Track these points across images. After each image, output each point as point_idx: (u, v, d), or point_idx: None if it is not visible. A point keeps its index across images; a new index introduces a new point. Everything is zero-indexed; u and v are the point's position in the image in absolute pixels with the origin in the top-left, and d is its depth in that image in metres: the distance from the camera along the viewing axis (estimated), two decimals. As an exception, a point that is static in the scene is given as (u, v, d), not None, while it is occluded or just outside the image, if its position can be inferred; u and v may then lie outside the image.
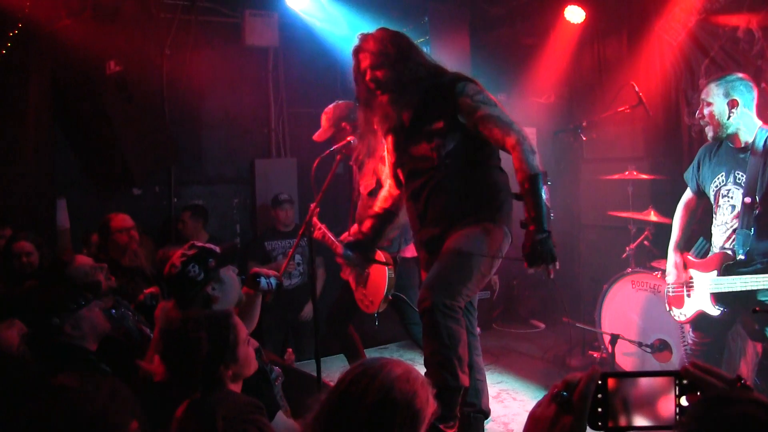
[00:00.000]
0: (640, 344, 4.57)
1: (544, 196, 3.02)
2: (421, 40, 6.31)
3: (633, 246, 5.10)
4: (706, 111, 3.54)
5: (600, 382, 1.01)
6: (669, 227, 4.28)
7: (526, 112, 6.78)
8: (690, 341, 3.87)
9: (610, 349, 4.68)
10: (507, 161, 3.22)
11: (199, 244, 2.91)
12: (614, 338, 4.65)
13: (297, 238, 3.76)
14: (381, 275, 3.95)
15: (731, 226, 3.56)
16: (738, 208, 3.53)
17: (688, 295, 3.76)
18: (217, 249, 2.90)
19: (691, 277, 3.76)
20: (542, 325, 6.67)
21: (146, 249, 5.17)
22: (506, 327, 6.71)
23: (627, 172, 5.11)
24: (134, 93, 5.36)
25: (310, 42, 6.32)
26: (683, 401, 1.00)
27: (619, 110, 5.18)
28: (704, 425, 0.80)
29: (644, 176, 5.11)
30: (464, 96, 3.11)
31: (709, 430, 0.80)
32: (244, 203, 6.47)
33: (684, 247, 3.90)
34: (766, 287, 3.34)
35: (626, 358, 4.72)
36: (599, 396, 1.01)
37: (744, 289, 3.43)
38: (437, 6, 6.13)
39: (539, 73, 6.75)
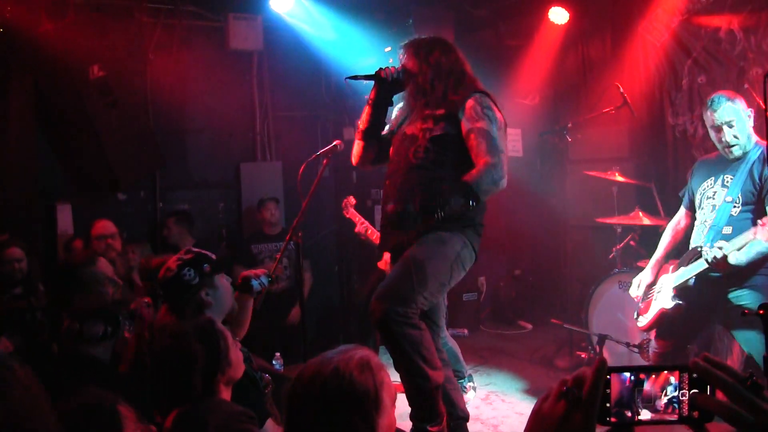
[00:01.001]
0: (627, 344, 4.59)
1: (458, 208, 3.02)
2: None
3: (620, 246, 5.12)
4: (732, 131, 3.51)
5: (607, 376, 1.00)
6: (655, 227, 4.33)
7: (511, 113, 6.73)
8: (651, 351, 3.94)
9: (597, 350, 4.69)
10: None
11: (196, 249, 2.93)
12: (602, 338, 4.66)
13: (285, 241, 3.74)
14: None
15: (709, 225, 3.61)
16: (719, 208, 3.58)
17: (655, 299, 3.83)
18: (213, 256, 2.91)
19: (655, 283, 3.85)
20: (530, 326, 6.69)
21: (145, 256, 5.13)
22: (494, 328, 6.72)
23: (611, 173, 5.12)
24: (118, 98, 5.30)
25: (294, 45, 6.30)
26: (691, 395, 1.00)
27: (604, 111, 5.22)
28: None
29: (629, 180, 5.13)
30: (475, 101, 3.16)
31: None
32: (230, 207, 6.43)
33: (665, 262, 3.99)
34: (704, 267, 3.44)
35: (614, 358, 4.73)
36: (607, 391, 0.99)
37: (696, 272, 3.52)
38: (421, 8, 6.13)
39: (524, 75, 6.77)
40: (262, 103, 6.55)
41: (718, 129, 3.53)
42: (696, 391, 0.99)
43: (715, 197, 3.62)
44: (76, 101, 5.15)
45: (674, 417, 1.00)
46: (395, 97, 3.46)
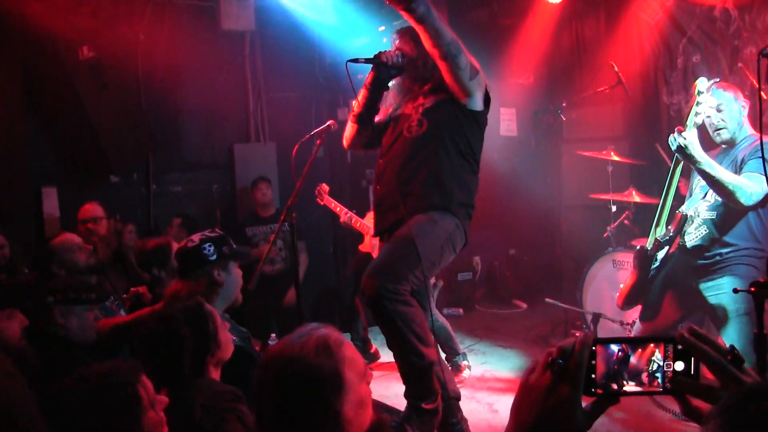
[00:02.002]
0: (621, 323, 4.62)
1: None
2: (399, 21, 6.26)
3: (614, 225, 5.13)
4: (720, 116, 3.52)
5: (593, 348, 1.00)
6: (649, 206, 4.35)
7: (505, 92, 6.78)
8: (634, 334, 3.97)
9: (592, 328, 4.72)
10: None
11: (220, 231, 3.05)
12: (596, 317, 4.69)
13: (279, 223, 3.73)
14: None
15: (694, 194, 3.68)
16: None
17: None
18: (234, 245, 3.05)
19: None
20: (524, 305, 6.72)
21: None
22: (489, 308, 6.75)
23: (605, 152, 5.13)
24: (109, 79, 5.26)
25: (287, 25, 6.24)
26: (677, 366, 1.00)
27: (598, 90, 5.20)
28: (737, 419, 0.77)
29: (624, 160, 5.14)
30: None
31: (743, 425, 0.77)
32: (224, 189, 6.40)
33: None
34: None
35: (608, 336, 4.76)
36: (592, 362, 1.00)
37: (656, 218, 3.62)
38: (415, -13, 6.07)
39: (518, 54, 6.74)
40: (255, 83, 6.51)
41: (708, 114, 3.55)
42: (681, 364, 1.00)
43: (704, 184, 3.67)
44: (66, 83, 5.10)
45: (659, 390, 1.01)
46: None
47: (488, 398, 4.27)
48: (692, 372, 1.01)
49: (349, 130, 3.53)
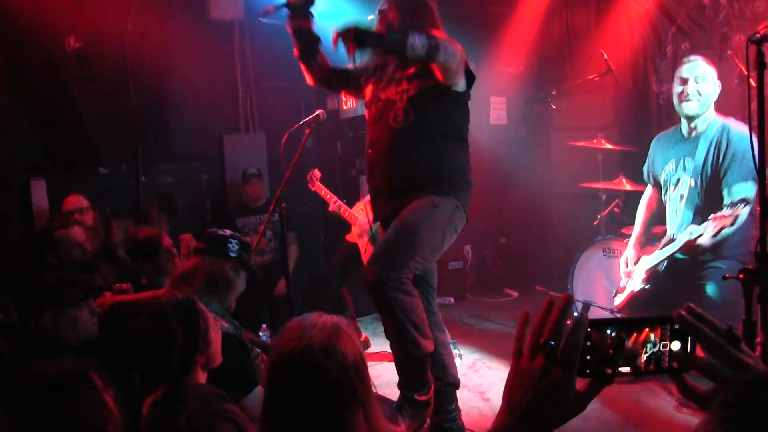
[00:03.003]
0: (611, 311, 4.63)
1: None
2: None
3: (604, 213, 5.15)
4: (697, 86, 3.54)
5: (588, 330, 0.99)
6: (640, 194, 4.37)
7: (495, 81, 6.77)
8: None
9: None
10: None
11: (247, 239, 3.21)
12: (586, 305, 4.70)
13: (268, 214, 3.72)
14: None
15: (680, 216, 3.71)
16: (686, 195, 3.64)
17: (631, 279, 3.90)
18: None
19: (635, 264, 3.92)
20: (515, 294, 6.74)
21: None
22: (480, 296, 6.77)
23: (595, 140, 5.13)
24: (97, 70, 5.21)
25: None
26: (674, 346, 1.00)
27: (588, 78, 5.21)
28: (739, 413, 0.77)
29: (615, 147, 5.15)
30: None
31: (745, 419, 0.76)
32: (214, 180, 6.38)
33: (647, 241, 4.03)
34: (668, 255, 3.60)
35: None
36: (587, 343, 0.99)
37: (666, 255, 3.63)
38: (405, -25, 6.04)
39: (508, 42, 6.73)
40: (244, 73, 6.47)
41: (684, 81, 3.56)
42: (677, 344, 1.00)
43: (680, 184, 3.68)
44: (52, 74, 5.04)
45: (654, 370, 1.00)
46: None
47: (479, 386, 4.28)
48: (689, 352, 1.00)
49: (302, 69, 3.58)
